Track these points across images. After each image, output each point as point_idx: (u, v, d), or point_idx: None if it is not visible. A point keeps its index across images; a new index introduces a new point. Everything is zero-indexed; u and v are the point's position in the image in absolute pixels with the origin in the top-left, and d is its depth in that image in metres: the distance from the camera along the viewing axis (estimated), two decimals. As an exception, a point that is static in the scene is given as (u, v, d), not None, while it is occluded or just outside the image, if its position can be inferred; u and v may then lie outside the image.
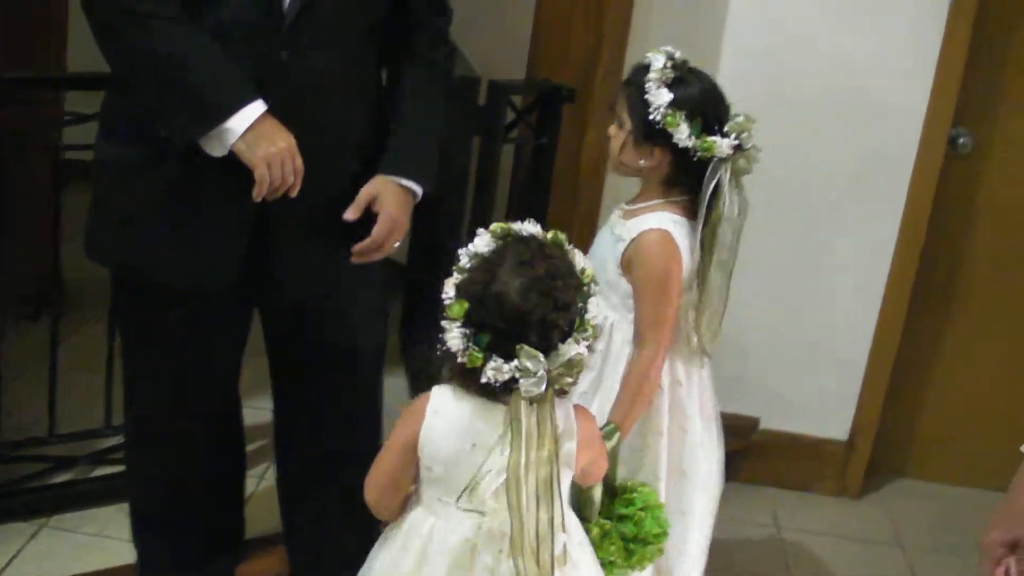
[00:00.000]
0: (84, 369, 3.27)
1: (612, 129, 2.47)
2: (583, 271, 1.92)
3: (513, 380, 1.83)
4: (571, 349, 1.85)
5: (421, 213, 3.95)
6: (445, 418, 1.92)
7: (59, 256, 3.05)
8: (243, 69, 2.15)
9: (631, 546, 2.27)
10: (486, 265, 1.88)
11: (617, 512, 2.28)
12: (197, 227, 2.27)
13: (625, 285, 2.43)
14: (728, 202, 2.38)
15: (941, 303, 3.73)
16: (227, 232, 2.28)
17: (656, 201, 2.45)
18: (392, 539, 2.01)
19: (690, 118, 2.35)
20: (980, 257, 3.70)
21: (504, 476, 1.82)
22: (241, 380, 2.64)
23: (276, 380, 2.65)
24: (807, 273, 3.56)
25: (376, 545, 2.05)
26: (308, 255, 2.37)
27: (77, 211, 2.54)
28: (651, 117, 2.36)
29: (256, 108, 2.14)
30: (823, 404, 3.69)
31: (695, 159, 2.37)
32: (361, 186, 2.34)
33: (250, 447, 2.84)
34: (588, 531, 2.16)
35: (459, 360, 1.86)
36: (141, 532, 2.69)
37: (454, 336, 1.85)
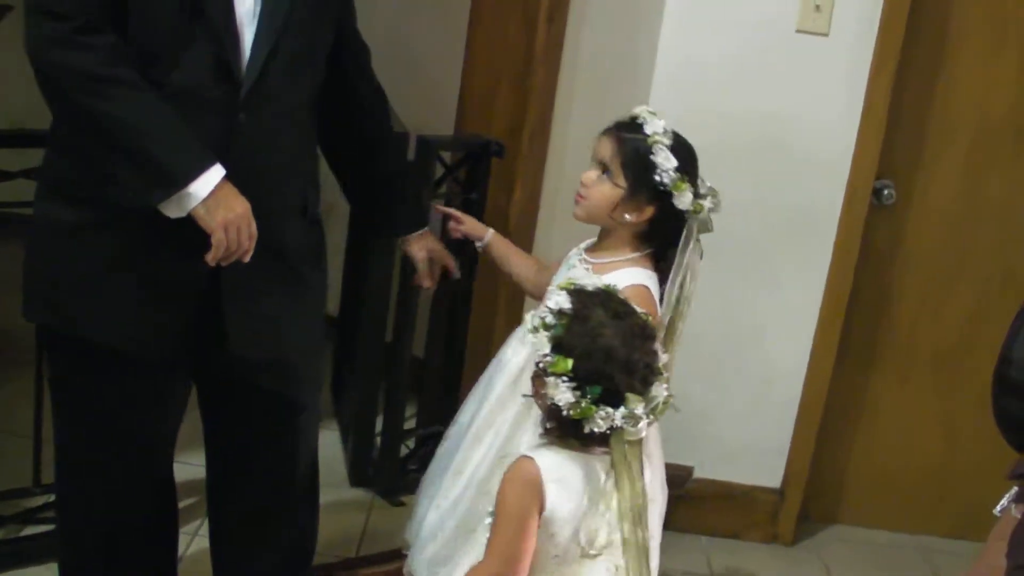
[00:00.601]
0: (11, 425, 3.23)
1: (591, 177, 2.50)
2: (645, 314, 2.05)
3: (612, 427, 1.94)
4: (661, 391, 1.98)
5: (351, 266, 3.98)
6: (561, 482, 2.01)
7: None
8: (201, 132, 2.16)
9: None
10: (582, 321, 1.99)
11: None
12: (148, 290, 2.27)
13: None
14: (694, 258, 2.49)
15: (868, 351, 3.77)
16: (177, 296, 2.28)
17: (630, 255, 2.51)
18: None
19: (690, 182, 2.45)
20: (906, 306, 3.74)
21: (616, 516, 1.95)
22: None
23: (214, 437, 2.63)
24: (739, 324, 3.59)
25: None
26: (257, 314, 2.37)
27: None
28: (656, 179, 2.42)
29: (217, 173, 2.15)
30: (755, 453, 3.71)
31: (673, 218, 2.46)
32: (304, 243, 2.42)
33: (181, 504, 2.81)
34: None
35: (565, 414, 1.95)
36: (72, 592, 2.65)
37: (562, 392, 1.94)
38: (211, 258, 2.17)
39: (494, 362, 2.62)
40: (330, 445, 3.54)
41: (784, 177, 3.45)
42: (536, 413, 2.20)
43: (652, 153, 2.43)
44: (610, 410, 1.93)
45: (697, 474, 3.71)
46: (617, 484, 1.95)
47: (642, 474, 1.96)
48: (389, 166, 2.69)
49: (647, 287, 2.46)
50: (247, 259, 2.21)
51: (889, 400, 3.83)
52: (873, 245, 3.62)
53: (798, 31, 3.33)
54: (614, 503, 1.97)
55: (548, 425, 2.07)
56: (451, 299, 3.58)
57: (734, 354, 3.61)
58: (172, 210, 2.16)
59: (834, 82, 3.39)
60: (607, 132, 2.52)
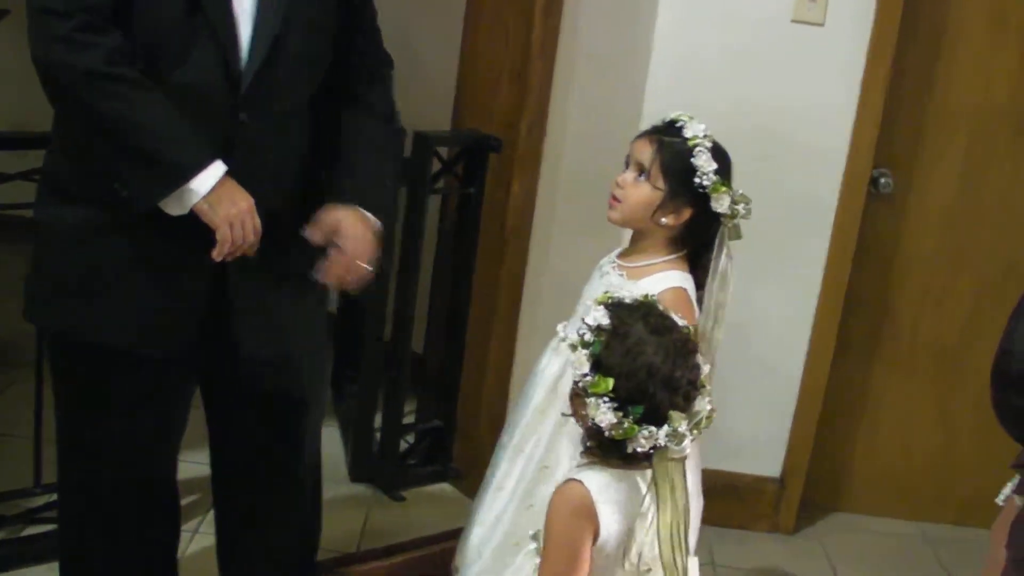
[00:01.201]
0: (13, 426, 3.23)
1: (627, 179, 2.49)
2: (686, 327, 1.98)
3: (655, 446, 1.88)
4: (703, 406, 1.91)
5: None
6: (610, 505, 1.95)
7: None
8: (203, 130, 2.16)
9: None
10: (622, 338, 1.92)
11: None
12: (156, 289, 2.26)
13: None
14: (727, 263, 2.49)
15: (867, 341, 3.78)
16: (186, 293, 2.28)
17: (664, 258, 2.51)
18: None
19: (728, 186, 2.45)
20: (905, 296, 3.75)
21: (657, 534, 1.88)
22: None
23: (218, 436, 2.62)
24: (738, 314, 3.58)
25: None
26: (264, 312, 2.38)
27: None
28: (696, 181, 2.43)
29: (218, 168, 2.16)
30: (756, 442, 3.71)
31: (709, 221, 2.46)
32: (306, 241, 2.34)
33: (182, 502, 2.81)
34: None
35: (608, 434, 1.89)
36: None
37: (604, 413, 1.88)
38: (217, 254, 2.17)
39: (530, 375, 2.61)
40: (330, 441, 3.54)
41: (781, 168, 3.44)
42: (573, 426, 2.13)
43: (693, 156, 2.44)
44: (653, 429, 1.87)
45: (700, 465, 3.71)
46: (659, 504, 1.88)
47: (685, 491, 1.90)
48: (374, 140, 2.50)
49: (684, 289, 2.47)
50: (252, 253, 2.22)
51: (889, 388, 3.83)
52: (872, 235, 3.62)
53: (793, 21, 3.33)
54: (655, 520, 1.90)
55: (588, 444, 2.00)
56: (450, 295, 3.58)
57: (733, 343, 3.59)
58: (174, 207, 2.16)
59: (830, 72, 3.39)
60: (645, 135, 2.51)
